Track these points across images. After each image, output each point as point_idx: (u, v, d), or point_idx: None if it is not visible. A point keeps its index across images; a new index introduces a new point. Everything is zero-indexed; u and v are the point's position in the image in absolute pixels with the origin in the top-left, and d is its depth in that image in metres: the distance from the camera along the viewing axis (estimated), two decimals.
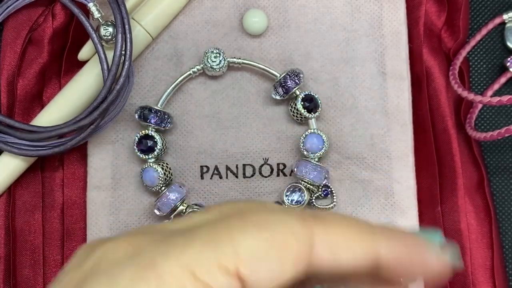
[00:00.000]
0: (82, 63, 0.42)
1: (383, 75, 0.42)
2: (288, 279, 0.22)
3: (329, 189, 0.41)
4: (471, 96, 0.40)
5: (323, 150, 0.41)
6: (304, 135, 0.41)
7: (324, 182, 0.41)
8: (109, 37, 0.40)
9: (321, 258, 0.23)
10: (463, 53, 0.43)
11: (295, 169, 0.41)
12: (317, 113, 0.41)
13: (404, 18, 0.43)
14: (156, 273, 0.21)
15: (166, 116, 0.41)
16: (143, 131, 0.41)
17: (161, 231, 0.23)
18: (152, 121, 0.40)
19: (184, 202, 0.41)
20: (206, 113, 0.42)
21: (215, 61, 0.41)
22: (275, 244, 0.22)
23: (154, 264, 0.21)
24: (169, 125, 0.41)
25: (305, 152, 0.41)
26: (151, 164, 0.40)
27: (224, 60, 0.41)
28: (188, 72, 0.42)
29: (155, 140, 0.40)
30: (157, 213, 0.40)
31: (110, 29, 0.39)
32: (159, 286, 0.20)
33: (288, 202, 0.40)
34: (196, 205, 0.41)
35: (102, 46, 0.39)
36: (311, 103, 0.41)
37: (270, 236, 0.22)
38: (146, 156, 0.40)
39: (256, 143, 0.42)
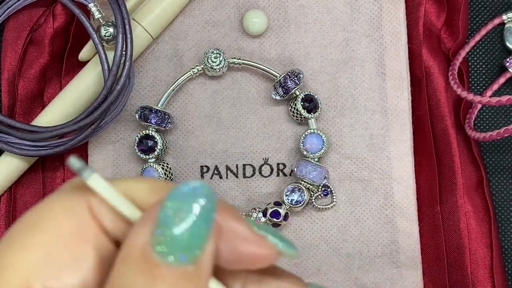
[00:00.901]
0: (83, 64, 0.42)
1: (382, 75, 0.42)
2: (93, 257, 0.20)
3: (329, 189, 0.41)
4: (470, 96, 0.40)
5: (323, 150, 0.41)
6: (304, 135, 0.41)
7: (324, 182, 0.41)
8: (110, 38, 0.40)
9: (107, 224, 0.21)
10: (463, 53, 0.43)
11: (295, 169, 0.41)
12: (317, 113, 0.41)
13: (403, 19, 0.43)
14: None
15: (166, 116, 0.41)
16: (144, 131, 0.41)
17: None
18: (153, 121, 0.40)
19: None
20: (206, 113, 0.42)
21: (215, 62, 0.41)
22: (52, 238, 0.20)
23: None
24: (169, 125, 0.41)
25: (305, 152, 0.41)
26: (151, 164, 0.40)
27: (224, 60, 0.41)
28: (189, 73, 0.42)
29: (156, 140, 0.40)
30: None
31: (111, 30, 0.39)
32: None
33: (288, 202, 0.40)
34: None
35: (102, 46, 0.39)
36: (311, 103, 0.41)
37: (44, 234, 0.20)
38: (147, 156, 0.40)
39: (256, 143, 0.42)
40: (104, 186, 0.20)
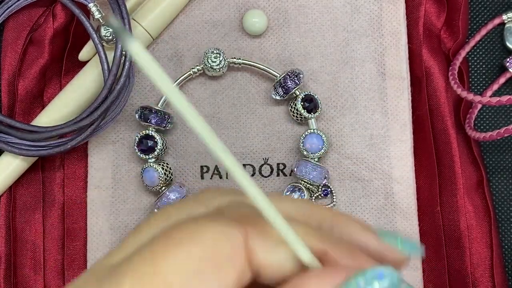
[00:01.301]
0: (83, 64, 0.42)
1: (382, 75, 0.42)
2: (233, 282, 0.21)
3: (329, 189, 0.41)
4: (470, 96, 0.40)
5: (323, 150, 0.41)
6: (304, 135, 0.41)
7: (324, 182, 0.41)
8: (110, 38, 0.40)
9: (258, 257, 0.22)
10: (463, 53, 0.43)
11: (295, 169, 0.41)
12: (317, 113, 0.41)
13: (403, 18, 0.43)
14: None
15: (166, 116, 0.41)
16: (144, 131, 0.41)
17: (101, 270, 0.22)
18: (153, 121, 0.40)
19: None
20: (206, 113, 0.42)
21: (215, 61, 0.41)
22: (205, 255, 0.21)
23: None
24: (169, 125, 0.41)
25: (305, 152, 0.41)
26: (151, 164, 0.40)
27: (224, 60, 0.41)
28: (188, 72, 0.42)
29: (156, 140, 0.40)
30: None
31: (111, 30, 0.39)
32: None
33: None
34: None
35: (102, 46, 0.39)
36: (311, 103, 0.41)
37: (199, 250, 0.21)
38: (147, 156, 0.40)
39: (256, 143, 0.42)
40: (146, 56, 0.19)
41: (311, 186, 0.41)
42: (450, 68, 0.43)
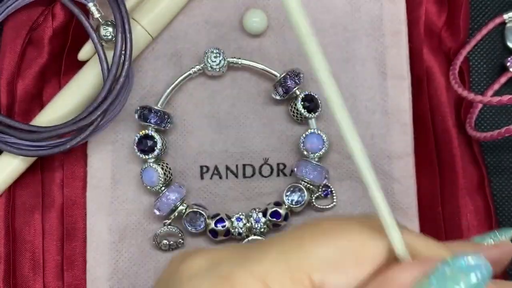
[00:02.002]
0: (82, 63, 0.42)
1: (383, 74, 0.42)
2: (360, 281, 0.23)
3: (329, 189, 0.41)
4: (471, 96, 0.40)
5: (323, 150, 0.41)
6: (304, 135, 0.41)
7: (324, 182, 0.41)
8: (109, 37, 0.40)
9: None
10: (464, 52, 0.43)
11: (295, 169, 0.41)
12: (317, 113, 0.41)
13: (404, 18, 0.42)
14: (231, 284, 0.22)
15: (166, 116, 0.41)
16: (143, 131, 0.40)
17: (239, 246, 0.25)
18: (152, 121, 0.40)
19: (184, 202, 0.41)
20: (206, 113, 0.42)
21: (215, 61, 0.41)
22: (350, 251, 0.23)
23: (230, 276, 0.22)
24: (169, 125, 0.41)
25: (305, 152, 0.41)
26: (151, 164, 0.40)
27: (224, 60, 0.41)
28: (188, 72, 0.41)
29: (155, 140, 0.40)
30: (157, 213, 0.40)
31: (110, 29, 0.39)
32: None
33: (288, 202, 0.40)
34: (196, 205, 0.41)
35: (102, 46, 0.39)
36: (311, 103, 0.41)
37: (347, 242, 0.23)
38: (146, 156, 0.40)
39: (256, 143, 0.42)
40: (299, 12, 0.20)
41: (311, 186, 0.41)
42: (451, 67, 0.43)
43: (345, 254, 0.23)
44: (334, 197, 0.41)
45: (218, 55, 0.41)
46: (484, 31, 0.44)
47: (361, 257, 0.23)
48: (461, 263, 0.22)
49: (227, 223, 0.40)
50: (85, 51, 0.41)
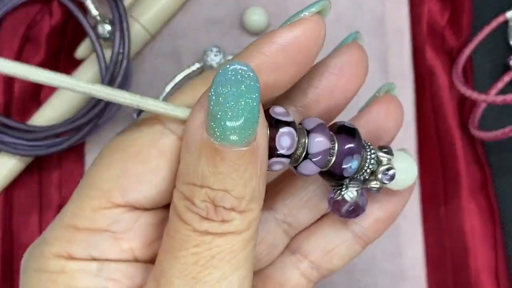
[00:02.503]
0: (80, 62, 0.42)
1: (385, 73, 0.42)
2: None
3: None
4: (474, 95, 0.40)
5: None
6: None
7: None
8: (107, 35, 0.39)
9: None
10: (467, 51, 0.43)
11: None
12: None
13: (407, 16, 0.42)
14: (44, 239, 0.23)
15: None
16: None
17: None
18: None
19: None
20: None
21: (215, 60, 0.41)
22: (129, 159, 0.22)
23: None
24: None
25: None
26: None
27: (224, 58, 0.41)
28: (188, 71, 0.41)
29: None
30: None
31: (108, 27, 0.39)
32: None
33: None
34: None
35: (99, 44, 0.39)
36: None
37: (120, 158, 0.23)
38: None
39: None
40: None
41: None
42: (454, 66, 0.43)
43: (127, 163, 0.22)
44: None
45: (218, 53, 0.41)
46: (487, 29, 0.44)
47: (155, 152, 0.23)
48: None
49: None
50: (83, 49, 0.41)
